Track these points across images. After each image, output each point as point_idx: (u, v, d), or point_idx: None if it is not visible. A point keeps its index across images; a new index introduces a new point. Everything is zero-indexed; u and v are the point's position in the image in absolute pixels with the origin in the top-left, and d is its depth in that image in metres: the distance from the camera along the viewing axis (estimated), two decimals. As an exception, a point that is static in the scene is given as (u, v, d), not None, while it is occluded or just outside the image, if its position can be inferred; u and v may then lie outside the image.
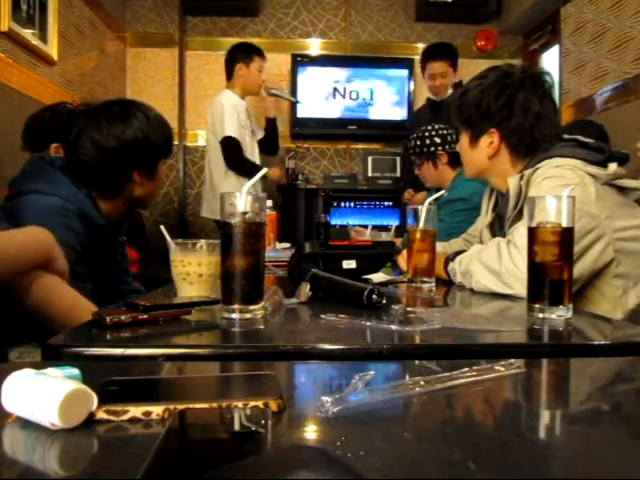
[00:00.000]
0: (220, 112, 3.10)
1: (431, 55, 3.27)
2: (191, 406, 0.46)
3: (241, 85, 3.24)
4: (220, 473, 0.33)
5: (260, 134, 3.42)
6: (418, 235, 1.29)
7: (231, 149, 3.09)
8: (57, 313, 1.12)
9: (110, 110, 1.35)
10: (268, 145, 3.44)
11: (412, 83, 4.12)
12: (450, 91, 3.14)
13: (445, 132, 2.31)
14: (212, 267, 1.01)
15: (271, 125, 3.43)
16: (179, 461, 0.40)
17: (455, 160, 2.23)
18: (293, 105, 4.00)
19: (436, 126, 2.35)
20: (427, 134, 2.33)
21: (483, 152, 1.41)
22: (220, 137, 3.09)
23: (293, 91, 3.96)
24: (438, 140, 2.30)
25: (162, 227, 1.08)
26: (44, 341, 0.70)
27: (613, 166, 1.26)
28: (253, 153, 3.29)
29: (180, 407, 0.45)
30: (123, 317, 0.79)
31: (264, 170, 1.04)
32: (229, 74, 3.26)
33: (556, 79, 3.27)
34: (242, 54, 3.22)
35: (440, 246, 1.51)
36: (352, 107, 4.09)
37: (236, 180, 3.10)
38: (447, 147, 2.30)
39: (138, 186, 1.41)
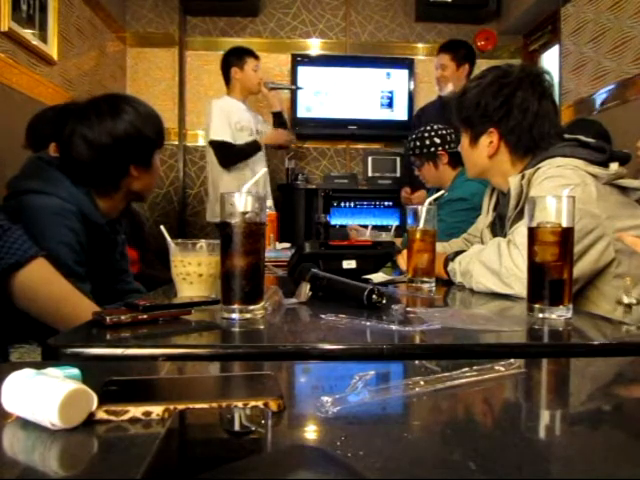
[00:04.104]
0: (209, 117, 3.20)
1: (440, 47, 3.40)
2: (191, 406, 0.46)
3: (239, 87, 3.31)
4: (220, 473, 0.33)
5: (267, 132, 3.45)
6: (418, 235, 1.29)
7: (220, 150, 3.17)
8: (46, 307, 1.12)
9: (99, 107, 1.35)
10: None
11: (412, 83, 4.11)
12: (450, 88, 3.16)
13: (444, 132, 2.31)
14: (212, 267, 1.01)
15: (278, 119, 3.47)
16: (179, 461, 0.40)
17: (455, 160, 2.23)
18: (293, 105, 4.01)
19: (435, 126, 2.34)
20: (427, 134, 2.33)
21: (483, 152, 1.41)
22: (208, 140, 3.20)
23: (293, 91, 3.96)
24: (438, 140, 2.30)
25: (162, 227, 1.08)
26: (44, 341, 0.70)
27: (614, 166, 1.26)
28: (258, 156, 3.33)
29: (180, 407, 0.45)
30: (123, 317, 0.79)
31: (264, 170, 1.05)
32: (227, 80, 3.35)
33: (556, 79, 3.27)
34: (234, 58, 3.31)
35: (440, 246, 1.51)
36: (352, 107, 4.09)
37: (233, 179, 3.16)
38: (447, 147, 2.30)
39: (135, 180, 1.41)
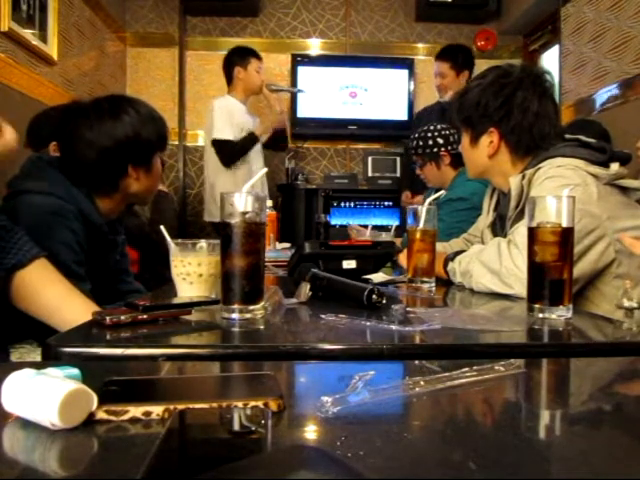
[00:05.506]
0: (211, 115, 3.19)
1: (438, 55, 3.37)
2: (191, 406, 0.46)
3: (242, 87, 3.30)
4: (220, 473, 0.33)
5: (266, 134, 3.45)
6: (418, 235, 1.29)
7: (222, 149, 3.16)
8: (46, 307, 1.12)
9: (100, 107, 1.35)
10: (277, 141, 3.47)
11: (412, 83, 4.12)
12: (450, 95, 3.16)
13: (447, 132, 2.30)
14: (212, 267, 1.01)
15: None
16: (179, 461, 0.40)
17: (457, 161, 2.22)
18: (293, 104, 4.01)
19: (438, 126, 2.33)
20: (430, 134, 2.32)
21: (483, 152, 1.41)
22: (210, 139, 3.18)
23: (294, 94, 3.97)
24: (441, 141, 2.29)
25: (162, 227, 1.08)
26: (44, 341, 0.70)
27: (615, 166, 1.26)
28: (256, 154, 3.32)
29: (180, 407, 0.45)
30: (123, 317, 0.79)
31: (264, 170, 1.04)
32: (229, 79, 3.33)
33: (556, 79, 3.27)
34: (238, 57, 3.29)
35: (440, 246, 1.51)
36: (352, 107, 4.09)
37: (230, 178, 3.17)
38: (450, 148, 2.29)
39: (135, 181, 1.40)
